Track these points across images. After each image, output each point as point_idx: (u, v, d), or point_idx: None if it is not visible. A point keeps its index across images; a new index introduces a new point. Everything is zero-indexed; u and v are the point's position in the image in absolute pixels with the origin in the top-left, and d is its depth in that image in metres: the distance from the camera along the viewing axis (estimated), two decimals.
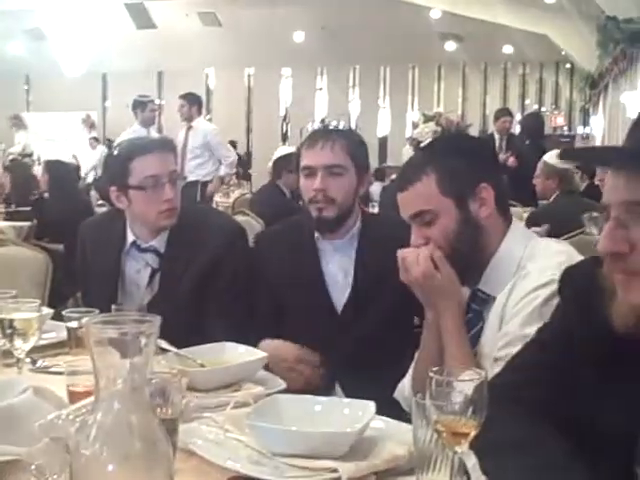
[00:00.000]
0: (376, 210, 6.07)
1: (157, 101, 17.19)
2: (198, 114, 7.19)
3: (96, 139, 13.30)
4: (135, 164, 2.28)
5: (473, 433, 1.12)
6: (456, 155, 1.79)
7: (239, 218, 4.76)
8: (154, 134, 6.89)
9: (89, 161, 12.03)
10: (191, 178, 7.22)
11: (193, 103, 7.17)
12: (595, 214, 1.16)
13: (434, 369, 1.15)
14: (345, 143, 2.23)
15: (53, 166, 6.25)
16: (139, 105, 6.99)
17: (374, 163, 13.04)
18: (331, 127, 2.34)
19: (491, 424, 1.13)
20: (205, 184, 7.07)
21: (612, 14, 9.60)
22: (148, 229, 2.36)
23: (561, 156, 1.31)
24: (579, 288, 1.27)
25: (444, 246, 1.74)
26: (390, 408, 1.57)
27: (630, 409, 1.17)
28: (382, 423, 1.43)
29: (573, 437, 1.20)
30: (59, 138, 14.38)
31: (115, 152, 2.43)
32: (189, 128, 7.13)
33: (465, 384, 1.13)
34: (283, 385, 1.73)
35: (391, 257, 2.19)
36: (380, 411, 1.43)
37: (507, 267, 1.74)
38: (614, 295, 1.13)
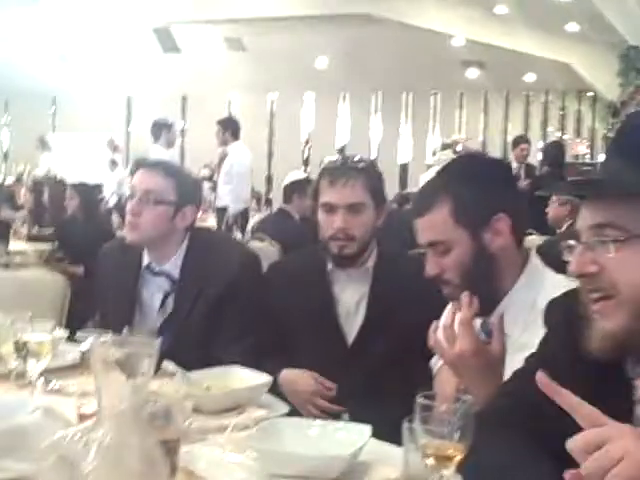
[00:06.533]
0: None
1: (181, 125, 17.44)
2: (233, 139, 7.20)
3: (114, 161, 13.41)
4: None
5: (460, 457, 1.17)
6: (471, 181, 1.74)
7: (256, 244, 4.82)
8: (176, 157, 7.01)
9: (110, 184, 12.14)
10: (220, 204, 7.29)
11: (226, 128, 7.22)
12: (572, 242, 1.23)
13: (422, 394, 1.19)
14: (365, 180, 2.27)
15: (82, 189, 6.33)
16: (165, 126, 7.09)
17: (395, 189, 13.10)
18: (350, 162, 2.34)
19: (478, 448, 1.17)
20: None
21: (634, 43, 9.63)
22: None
23: (544, 190, 1.37)
24: (563, 316, 1.31)
25: (458, 277, 1.72)
26: (397, 436, 1.58)
27: None
28: (378, 447, 1.47)
29: (560, 460, 1.23)
30: (83, 160, 14.55)
31: None
32: (223, 155, 7.21)
33: (452, 409, 1.18)
34: (286, 409, 1.78)
35: (405, 292, 2.24)
36: (386, 439, 1.47)
37: (522, 304, 1.71)
38: (591, 323, 1.18)
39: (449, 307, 1.91)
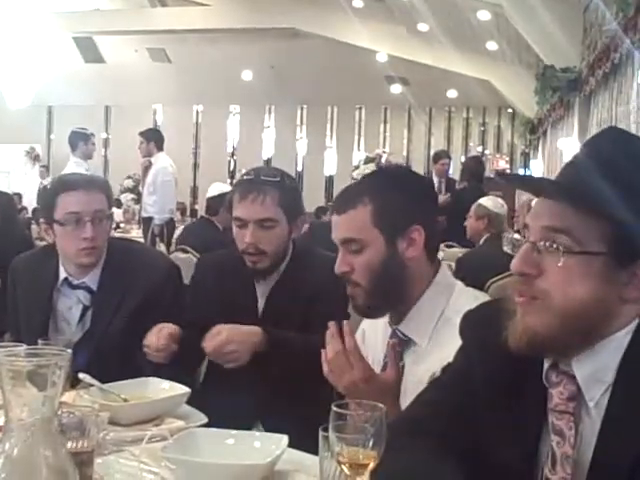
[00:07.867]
0: None
1: (104, 135, 17.17)
2: (157, 150, 7.12)
3: (47, 168, 13.11)
4: (60, 199, 2.32)
5: (373, 464, 1.18)
6: (395, 190, 1.78)
7: (180, 255, 4.77)
8: (93, 169, 6.89)
9: (32, 193, 11.88)
10: (145, 214, 7.20)
11: (150, 139, 7.13)
12: (516, 237, 1.24)
13: (336, 403, 1.21)
14: (276, 195, 2.24)
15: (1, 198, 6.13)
16: (82, 137, 6.93)
17: (320, 201, 13.18)
18: (263, 175, 2.29)
19: (391, 455, 1.19)
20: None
21: (550, 63, 9.94)
22: (74, 265, 2.38)
23: (500, 178, 1.37)
24: (478, 328, 1.34)
25: (366, 279, 1.75)
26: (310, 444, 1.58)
27: (525, 441, 1.24)
28: (295, 456, 1.48)
29: (472, 469, 1.26)
30: (1, 170, 14.22)
31: (48, 185, 2.47)
32: (148, 164, 7.12)
33: (366, 417, 1.20)
34: (204, 420, 1.77)
35: (304, 297, 2.25)
36: (301, 447, 1.48)
37: (430, 314, 1.75)
38: (513, 316, 1.20)
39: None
